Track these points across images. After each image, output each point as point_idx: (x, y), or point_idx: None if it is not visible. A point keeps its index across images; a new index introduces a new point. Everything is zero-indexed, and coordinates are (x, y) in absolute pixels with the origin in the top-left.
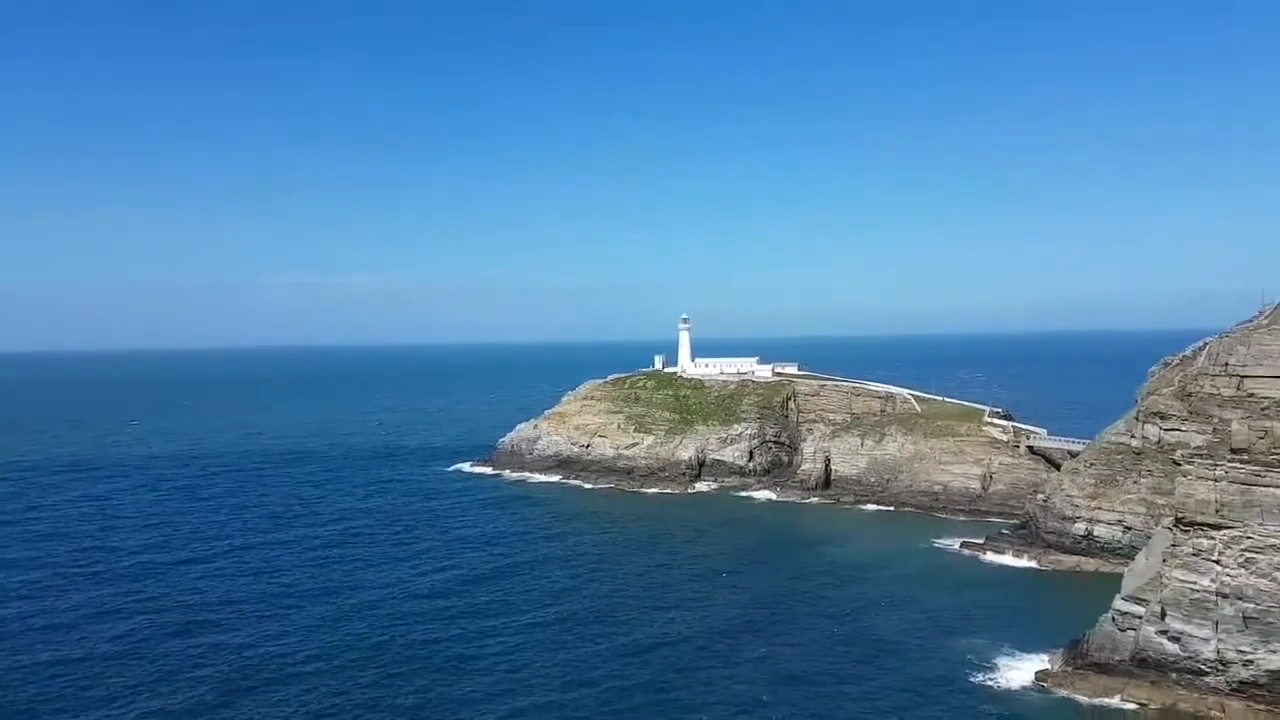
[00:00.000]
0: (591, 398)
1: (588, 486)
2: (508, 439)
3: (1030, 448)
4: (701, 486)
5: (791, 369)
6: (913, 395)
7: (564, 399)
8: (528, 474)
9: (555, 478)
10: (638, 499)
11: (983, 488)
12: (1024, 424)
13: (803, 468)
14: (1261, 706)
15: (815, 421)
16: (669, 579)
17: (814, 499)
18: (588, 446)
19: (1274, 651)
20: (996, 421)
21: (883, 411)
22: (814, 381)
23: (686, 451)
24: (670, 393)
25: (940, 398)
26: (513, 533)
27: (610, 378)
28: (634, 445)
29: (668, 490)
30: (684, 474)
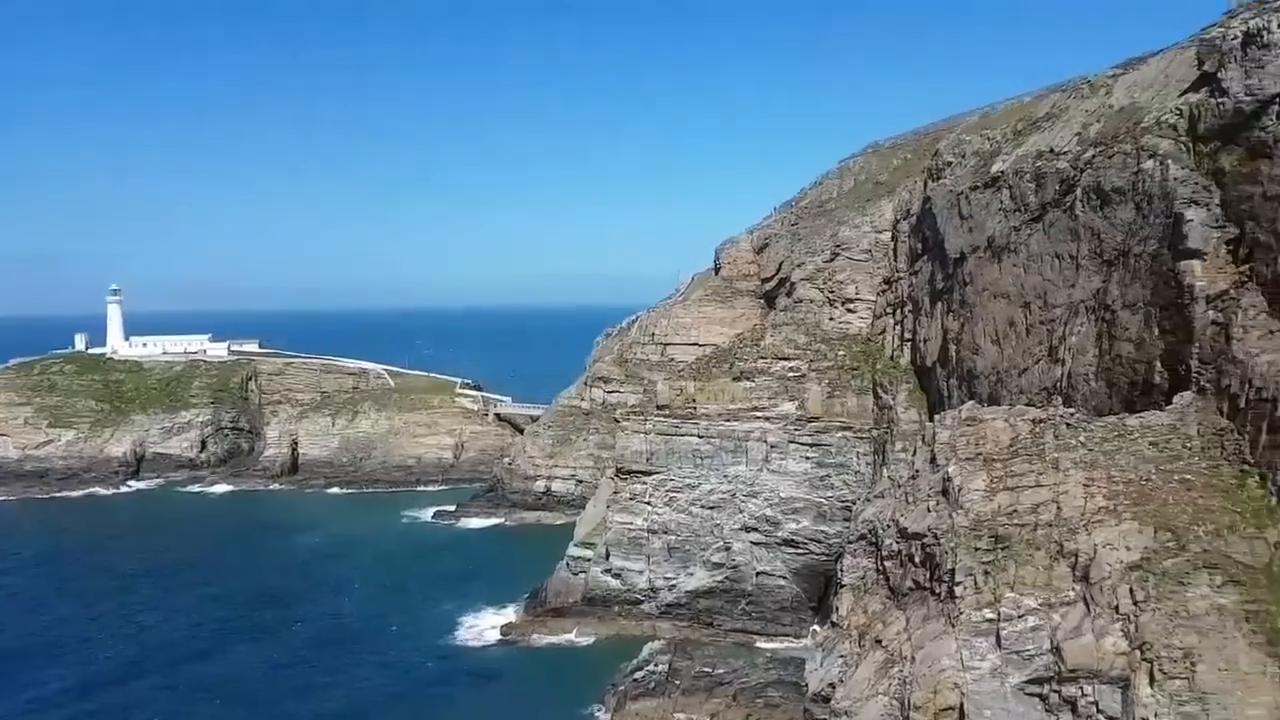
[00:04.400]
0: None
1: None
2: None
3: (498, 415)
4: (141, 485)
5: (252, 346)
6: (386, 370)
7: None
8: None
9: None
10: (57, 508)
11: (455, 457)
12: (493, 394)
13: (266, 454)
14: (683, 622)
15: (281, 403)
16: (105, 603)
17: (279, 486)
18: None
19: (691, 575)
20: (467, 392)
21: (355, 388)
22: (279, 360)
23: (120, 446)
24: (97, 378)
25: (414, 372)
26: None
27: (12, 363)
28: (48, 443)
29: (97, 492)
30: (117, 472)
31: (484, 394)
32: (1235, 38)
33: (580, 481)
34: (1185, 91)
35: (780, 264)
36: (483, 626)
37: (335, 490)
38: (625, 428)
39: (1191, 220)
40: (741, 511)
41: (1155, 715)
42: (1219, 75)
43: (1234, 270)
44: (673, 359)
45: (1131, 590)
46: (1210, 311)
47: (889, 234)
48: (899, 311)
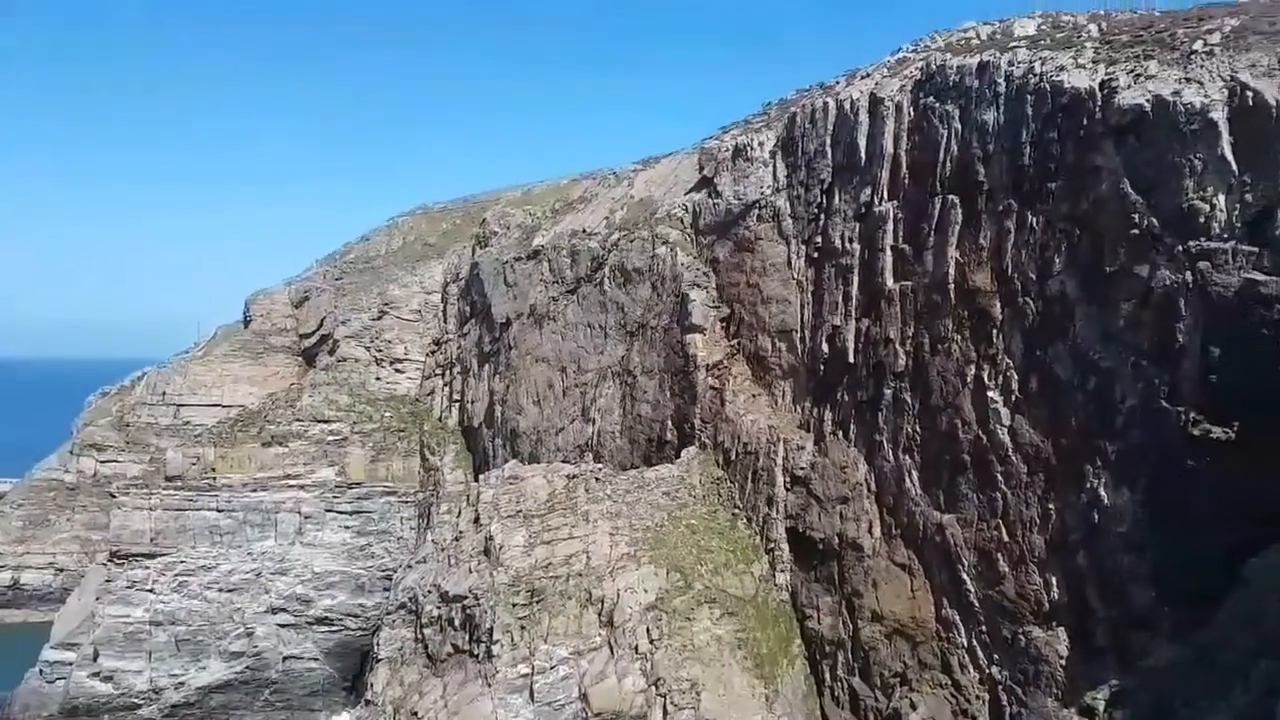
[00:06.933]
0: None
1: None
2: None
3: None
4: None
5: None
6: None
7: None
8: None
9: None
10: None
11: None
12: None
13: None
14: None
15: None
16: None
17: None
18: None
19: (204, 668)
20: None
21: None
22: None
23: None
24: None
25: None
26: None
27: None
28: None
29: None
30: None
31: None
32: (727, 150)
33: (61, 570)
34: (690, 190)
35: (322, 319)
36: None
37: None
38: (124, 503)
39: (694, 300)
40: (268, 592)
41: None
42: (715, 180)
43: (727, 344)
44: (188, 422)
45: (648, 630)
46: (709, 378)
47: (439, 295)
48: (448, 372)
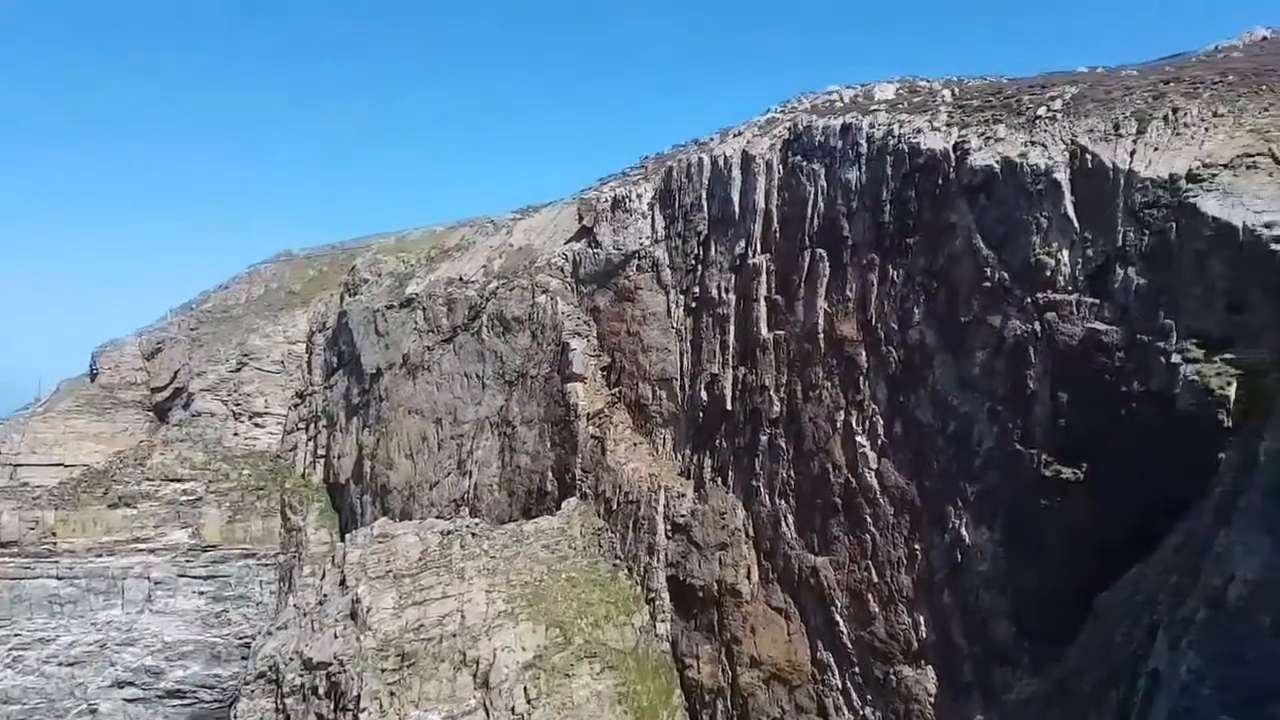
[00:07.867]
0: None
1: None
2: None
3: None
4: None
5: None
6: None
7: None
8: None
9: None
10: None
11: None
12: None
13: None
14: None
15: None
16: None
17: None
18: None
19: None
20: None
21: None
22: None
23: None
24: None
25: None
26: None
27: None
28: None
29: None
30: None
31: None
32: (606, 201)
33: None
34: (570, 240)
35: (176, 372)
36: None
37: None
38: None
39: (575, 349)
40: (114, 664)
41: None
42: (594, 230)
43: (608, 392)
44: (26, 483)
45: (525, 689)
46: (590, 427)
47: (303, 345)
48: (312, 426)
